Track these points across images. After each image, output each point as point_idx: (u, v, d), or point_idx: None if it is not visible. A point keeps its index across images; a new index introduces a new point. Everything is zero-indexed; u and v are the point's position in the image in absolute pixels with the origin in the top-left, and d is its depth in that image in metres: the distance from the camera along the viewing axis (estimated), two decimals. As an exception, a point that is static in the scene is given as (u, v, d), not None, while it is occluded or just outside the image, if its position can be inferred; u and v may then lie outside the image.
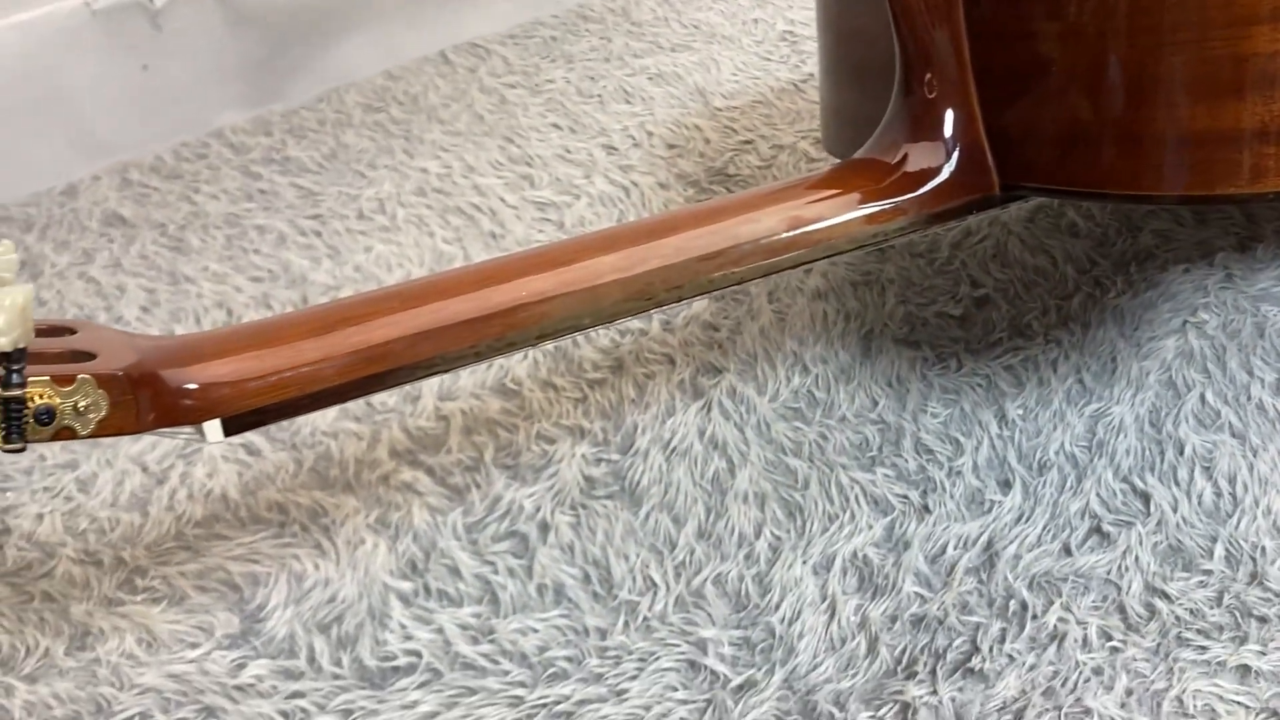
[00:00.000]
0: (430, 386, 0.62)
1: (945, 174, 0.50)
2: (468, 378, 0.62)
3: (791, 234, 0.48)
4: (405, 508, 0.56)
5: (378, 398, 0.62)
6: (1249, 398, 0.60)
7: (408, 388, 0.62)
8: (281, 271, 0.70)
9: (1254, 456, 0.57)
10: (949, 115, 0.50)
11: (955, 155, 0.50)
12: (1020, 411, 0.60)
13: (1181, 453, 0.57)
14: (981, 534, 0.54)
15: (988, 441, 0.59)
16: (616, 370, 0.62)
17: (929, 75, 0.50)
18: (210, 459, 0.59)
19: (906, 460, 0.58)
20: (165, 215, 0.75)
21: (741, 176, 0.74)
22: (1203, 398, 0.60)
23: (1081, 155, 0.48)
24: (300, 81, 0.87)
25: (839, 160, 0.58)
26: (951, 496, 0.56)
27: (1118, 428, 0.59)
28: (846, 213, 0.48)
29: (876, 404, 0.61)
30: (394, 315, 0.39)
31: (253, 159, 0.79)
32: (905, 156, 0.50)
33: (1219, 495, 0.55)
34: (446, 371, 0.42)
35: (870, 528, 0.55)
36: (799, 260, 0.48)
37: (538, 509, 0.56)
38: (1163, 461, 0.57)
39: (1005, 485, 0.57)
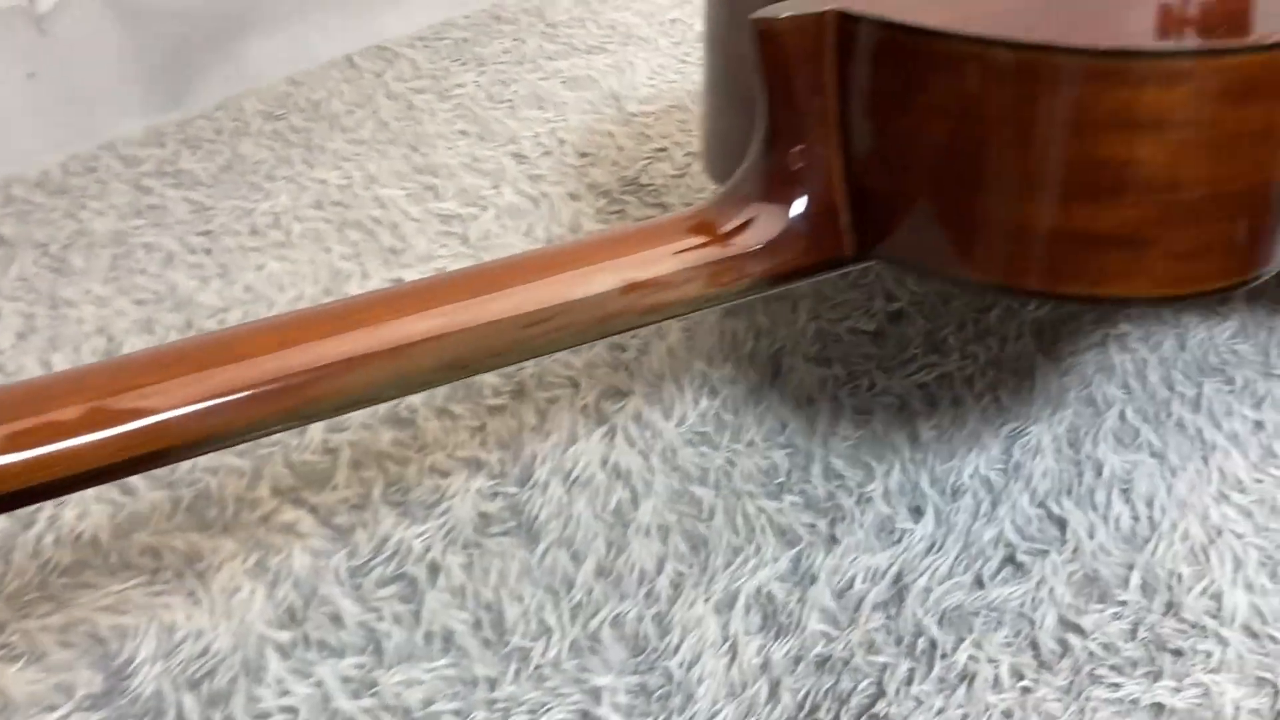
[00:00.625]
0: (319, 417, 0.59)
1: (798, 238, 0.48)
2: (359, 407, 0.59)
3: (626, 299, 0.45)
4: (286, 550, 0.53)
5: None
6: (1169, 414, 0.58)
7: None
8: (168, 293, 0.66)
9: (1172, 477, 0.55)
10: (810, 182, 0.47)
11: (810, 220, 0.48)
12: (934, 433, 0.58)
13: (1100, 474, 0.55)
14: (891, 565, 0.52)
15: (899, 465, 0.56)
16: (518, 396, 0.59)
17: (797, 146, 0.47)
18: (81, 500, 0.56)
19: (815, 487, 0.55)
20: (48, 234, 0.71)
21: (654, 186, 0.71)
22: (1122, 415, 0.58)
23: (940, 240, 0.47)
24: (200, 88, 0.84)
25: (719, 186, 0.56)
26: (861, 525, 0.54)
27: (1035, 449, 0.57)
28: (687, 275, 0.46)
29: (786, 427, 0.58)
30: (170, 383, 0.36)
31: (144, 172, 0.75)
32: (756, 216, 0.47)
33: (1136, 519, 0.53)
34: (232, 446, 0.39)
35: (776, 560, 0.53)
36: (632, 325, 0.46)
37: (428, 549, 0.53)
38: (1080, 484, 0.55)
39: (917, 512, 0.55)
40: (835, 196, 0.48)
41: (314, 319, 0.40)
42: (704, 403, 0.59)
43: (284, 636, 0.50)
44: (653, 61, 0.82)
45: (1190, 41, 0.43)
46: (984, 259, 0.46)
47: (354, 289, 0.66)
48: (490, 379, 0.60)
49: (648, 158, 0.74)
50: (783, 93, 0.47)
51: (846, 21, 0.45)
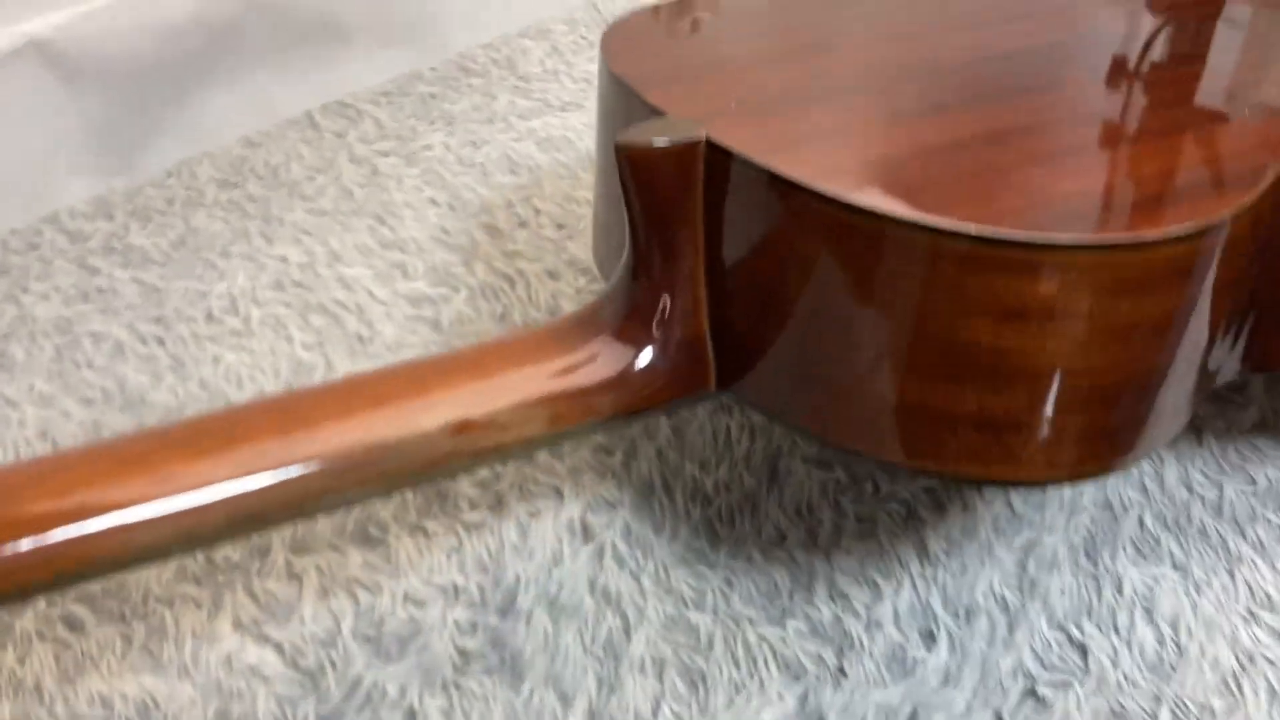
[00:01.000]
0: (282, 537, 0.54)
1: (656, 372, 0.44)
2: (325, 523, 0.55)
3: (454, 441, 0.41)
4: (249, 698, 0.49)
5: (221, 550, 0.54)
6: (1189, 520, 0.55)
7: (255, 538, 0.54)
8: (117, 390, 0.62)
9: (1197, 594, 0.52)
10: (673, 315, 0.44)
11: (670, 354, 0.45)
12: (944, 545, 0.54)
13: (1120, 591, 0.52)
14: (904, 702, 0.49)
15: (909, 582, 0.53)
16: (496, 509, 0.55)
17: (661, 278, 0.44)
18: (25, 637, 0.51)
19: (820, 609, 0.52)
20: (-15, 321, 0.66)
21: (637, 262, 0.67)
22: (1141, 521, 0.55)
23: (799, 394, 0.44)
24: (151, 150, 0.79)
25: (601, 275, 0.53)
26: (870, 655, 0.51)
27: (1051, 562, 0.53)
28: (526, 414, 0.42)
29: (785, 538, 0.54)
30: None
31: (91, 249, 0.70)
32: (610, 348, 0.44)
33: (1161, 643, 0.50)
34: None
35: (781, 698, 0.49)
36: (462, 470, 0.43)
37: (403, 692, 0.49)
38: (1100, 603, 0.52)
39: (929, 637, 0.51)
40: (699, 330, 0.45)
41: (85, 460, 0.36)
42: (697, 513, 0.55)
43: (247, 800, 0.46)
44: (632, 120, 0.78)
45: (1068, 235, 0.39)
46: (841, 421, 0.44)
47: (318, 380, 0.61)
48: (466, 489, 0.56)
49: (629, 229, 0.70)
50: (648, 222, 0.43)
51: (716, 153, 0.41)
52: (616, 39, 0.52)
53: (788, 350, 0.44)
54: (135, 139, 0.78)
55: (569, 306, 0.65)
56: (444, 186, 0.73)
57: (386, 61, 0.85)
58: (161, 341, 0.64)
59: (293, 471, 0.39)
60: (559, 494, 0.56)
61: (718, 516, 0.55)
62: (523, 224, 0.71)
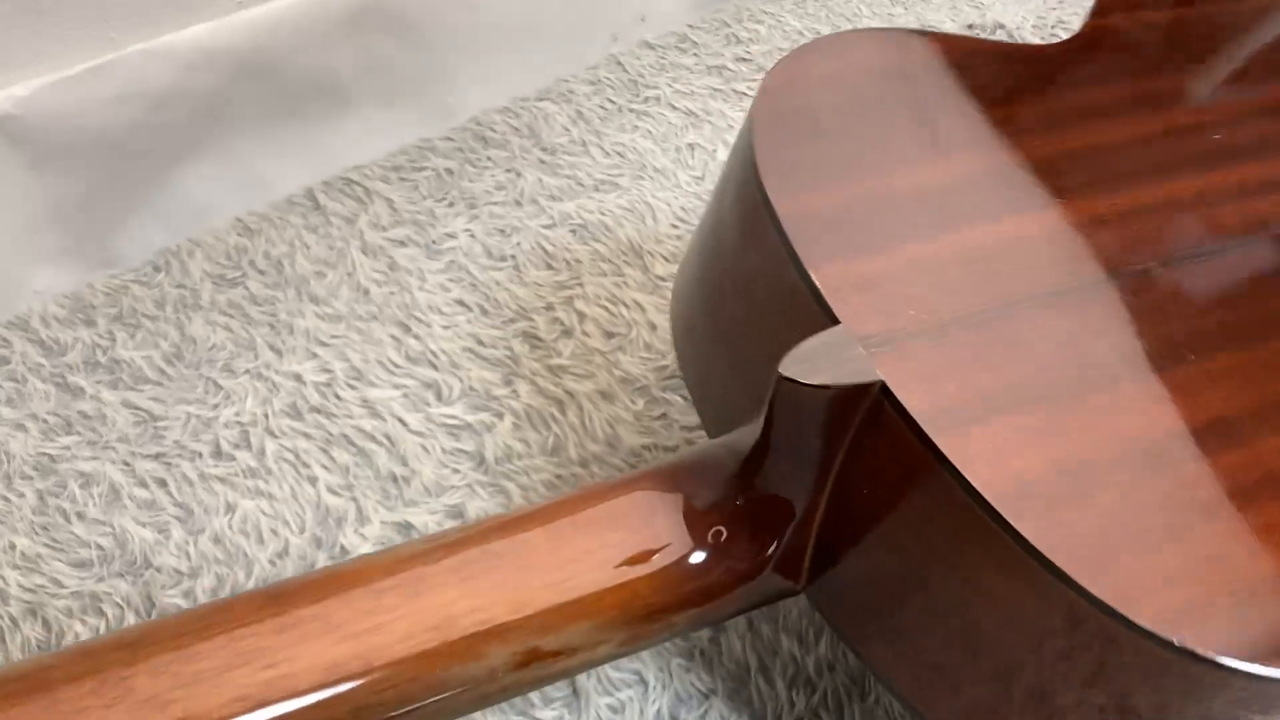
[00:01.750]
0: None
1: (754, 578, 0.39)
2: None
3: (515, 675, 0.36)
4: None
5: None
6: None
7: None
8: (117, 551, 0.53)
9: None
10: (787, 523, 0.39)
11: (776, 561, 0.39)
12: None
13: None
14: None
15: (1045, 782, 0.47)
16: (572, 703, 0.48)
17: (781, 483, 0.38)
18: None
19: (951, 818, 0.46)
20: (-48, 458, 0.57)
21: (700, 381, 0.60)
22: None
23: (884, 643, 0.39)
24: (131, 238, 0.70)
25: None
26: None
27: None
28: (603, 632, 0.36)
29: (902, 727, 0.48)
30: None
31: (70, 364, 0.61)
32: (712, 546, 0.38)
33: None
34: None
35: None
36: (511, 696, 0.37)
37: None
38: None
39: None
40: (805, 541, 0.39)
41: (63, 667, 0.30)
42: (800, 702, 0.49)
43: None
44: (674, 203, 0.71)
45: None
46: (917, 686, 0.38)
47: (349, 535, 0.54)
48: (538, 677, 0.49)
49: (686, 339, 0.63)
50: (785, 443, 0.37)
51: (888, 397, 0.35)
52: (777, 146, 0.43)
53: (889, 600, 0.38)
54: (113, 225, 0.69)
55: (628, 436, 0.58)
56: (473, 285, 0.66)
57: (392, 128, 0.77)
58: (164, 484, 0.56)
59: (332, 692, 0.33)
60: (643, 682, 0.49)
61: (823, 704, 0.49)
62: (566, 332, 0.63)
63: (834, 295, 0.37)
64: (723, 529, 0.39)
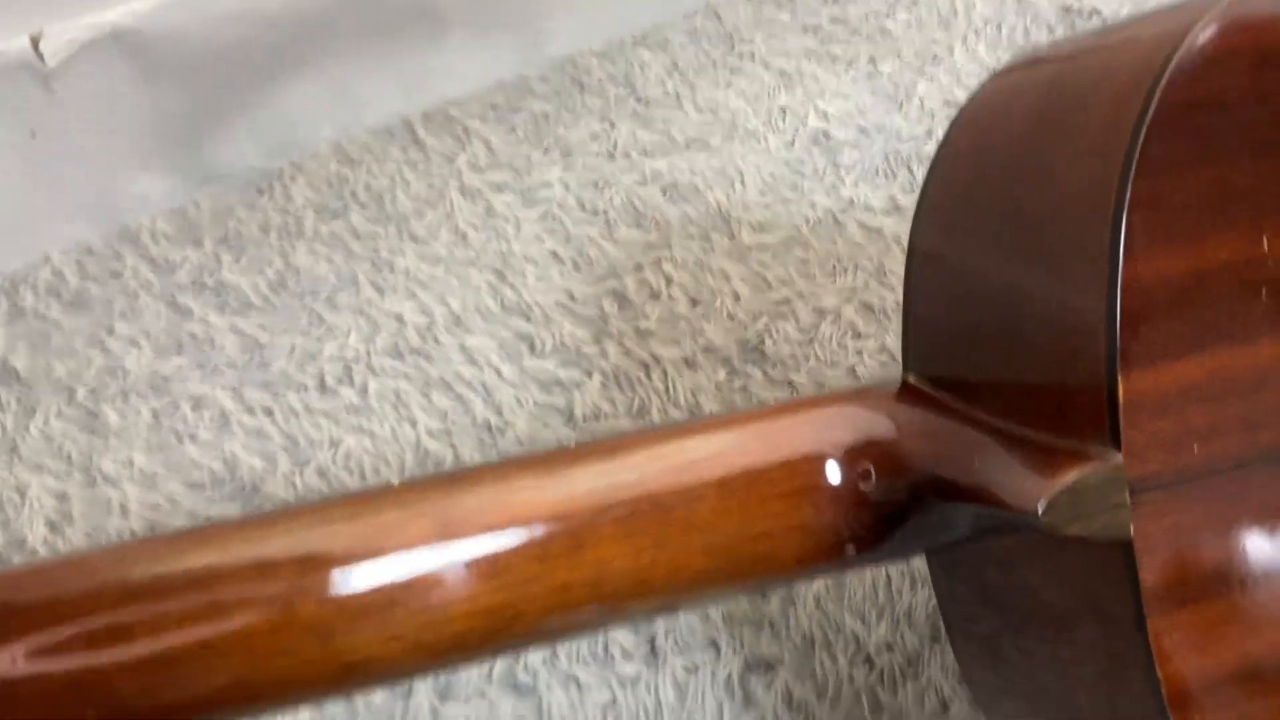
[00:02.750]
0: (426, 681, 0.51)
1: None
2: (471, 668, 0.52)
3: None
4: None
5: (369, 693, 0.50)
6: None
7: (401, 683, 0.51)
8: (227, 475, 0.57)
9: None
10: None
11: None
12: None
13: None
14: None
15: (1076, 772, 0.51)
16: (650, 661, 0.52)
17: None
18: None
19: (987, 798, 0.50)
20: (72, 369, 0.60)
21: (779, 357, 0.63)
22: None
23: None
24: (236, 151, 0.71)
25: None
26: None
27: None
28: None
29: (948, 709, 0.52)
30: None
31: (179, 283, 0.64)
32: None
33: None
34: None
35: None
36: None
37: None
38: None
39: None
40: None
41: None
42: (859, 677, 0.53)
43: None
44: (763, 169, 0.72)
45: None
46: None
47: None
48: (620, 635, 0.53)
49: (769, 312, 0.65)
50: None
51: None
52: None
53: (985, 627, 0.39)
54: (217, 140, 0.71)
55: (709, 406, 0.61)
56: (567, 239, 0.68)
57: (489, 57, 0.78)
58: (270, 413, 0.59)
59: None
60: (716, 647, 0.53)
61: (879, 681, 0.53)
62: (654, 295, 0.66)
63: (1130, 413, 0.32)
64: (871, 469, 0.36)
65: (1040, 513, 0.30)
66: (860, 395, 0.38)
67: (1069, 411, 0.32)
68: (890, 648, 0.54)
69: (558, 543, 0.32)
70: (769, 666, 0.53)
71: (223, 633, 0.29)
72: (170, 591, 0.29)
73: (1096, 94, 0.33)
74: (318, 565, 0.30)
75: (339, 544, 0.30)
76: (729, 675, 0.52)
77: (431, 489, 0.32)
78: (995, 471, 0.32)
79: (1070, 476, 0.30)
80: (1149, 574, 0.31)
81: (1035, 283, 0.33)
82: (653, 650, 0.53)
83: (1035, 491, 0.30)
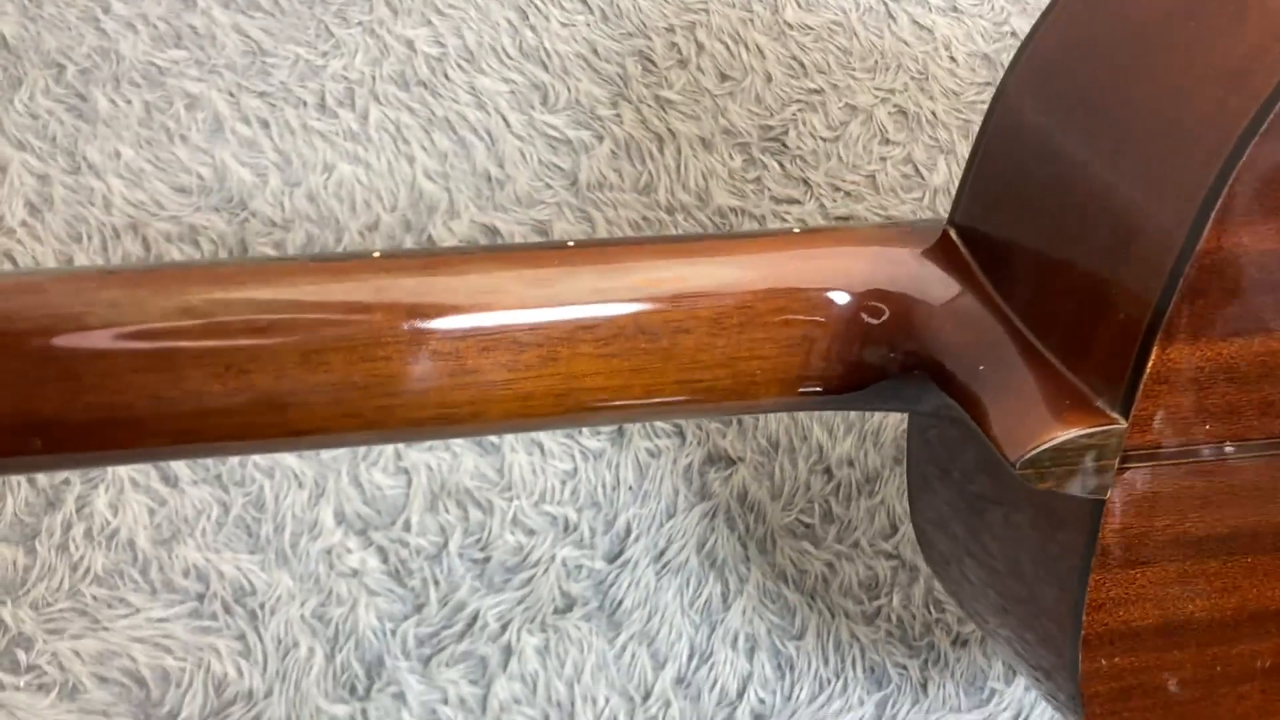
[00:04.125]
0: (393, 423, 0.51)
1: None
2: (439, 417, 0.52)
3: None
4: (350, 604, 0.48)
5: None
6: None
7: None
8: (216, 183, 0.55)
9: None
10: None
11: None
12: (1047, 573, 0.54)
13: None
14: (975, 734, 0.50)
15: (1004, 606, 0.53)
16: (616, 440, 0.53)
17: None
18: (116, 481, 0.49)
19: (914, 616, 0.52)
20: (63, 44, 0.57)
21: (800, 152, 0.60)
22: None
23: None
24: None
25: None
26: (953, 676, 0.52)
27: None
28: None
29: (896, 531, 0.54)
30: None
31: (184, -33, 0.60)
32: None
33: None
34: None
35: (861, 704, 0.50)
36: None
37: (504, 626, 0.49)
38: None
39: (1010, 670, 0.52)
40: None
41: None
42: (815, 485, 0.53)
43: (341, 712, 0.47)
44: (822, -58, 0.66)
45: None
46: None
47: (438, 225, 0.56)
48: (589, 408, 0.53)
49: (799, 102, 0.62)
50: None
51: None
52: None
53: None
54: None
55: (719, 193, 0.59)
56: (599, -15, 0.63)
57: None
58: (266, 126, 0.57)
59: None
60: (681, 436, 0.53)
61: (835, 493, 0.54)
62: (682, 62, 0.62)
63: (1153, 384, 0.30)
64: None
65: (1016, 463, 0.29)
66: (897, 236, 0.36)
67: (1095, 347, 0.31)
68: (851, 463, 0.54)
69: (531, 353, 0.31)
70: (730, 462, 0.53)
71: (176, 389, 0.29)
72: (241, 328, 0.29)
73: (1262, 11, 0.30)
74: (277, 329, 0.29)
75: (305, 309, 0.29)
76: (690, 464, 0.53)
77: (411, 267, 0.31)
78: (997, 388, 0.31)
79: (1062, 436, 0.29)
80: (1108, 534, 0.31)
81: (1120, 179, 0.31)
82: (620, 430, 0.53)
83: (1021, 437, 0.29)
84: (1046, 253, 0.33)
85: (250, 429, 0.29)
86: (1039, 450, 0.29)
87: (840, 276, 0.34)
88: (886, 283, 0.34)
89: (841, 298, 0.34)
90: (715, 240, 0.38)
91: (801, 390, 0.34)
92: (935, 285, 0.34)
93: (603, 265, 0.33)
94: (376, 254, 0.31)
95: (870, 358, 0.34)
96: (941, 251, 0.36)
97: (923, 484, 0.39)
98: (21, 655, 0.46)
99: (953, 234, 0.36)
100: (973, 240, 0.35)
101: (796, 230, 0.37)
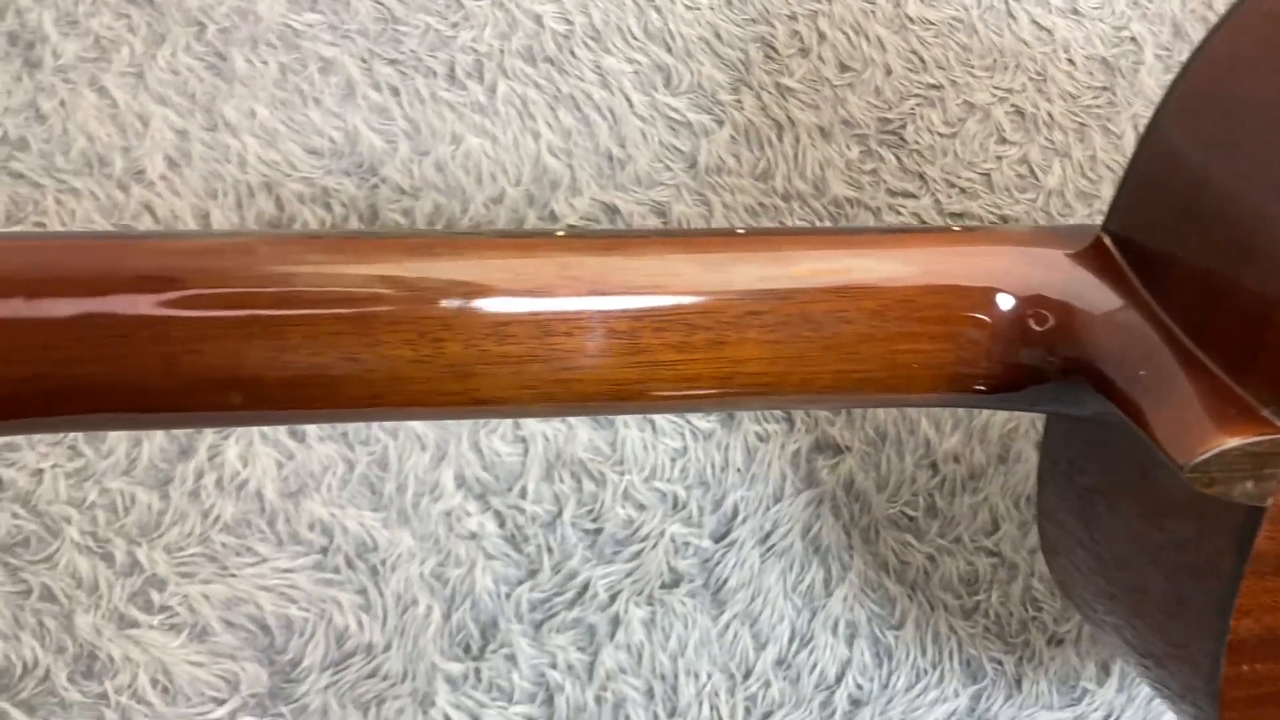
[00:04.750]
0: (512, 392, 0.52)
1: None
2: (557, 389, 0.53)
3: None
4: (467, 565, 0.49)
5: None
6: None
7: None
8: (347, 147, 0.56)
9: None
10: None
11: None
12: (1145, 580, 0.55)
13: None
14: (1066, 733, 0.51)
15: (1101, 610, 0.54)
16: (727, 422, 0.54)
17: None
18: (246, 433, 0.50)
19: (1011, 613, 0.53)
20: (204, 3, 0.59)
21: (918, 147, 0.61)
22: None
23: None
24: None
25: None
26: (1046, 673, 0.52)
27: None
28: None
29: (998, 528, 0.54)
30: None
31: (321, -68, 0.61)
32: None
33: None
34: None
35: (956, 695, 0.51)
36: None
37: (612, 597, 0.50)
38: None
39: (1104, 671, 0.53)
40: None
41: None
42: (921, 479, 0.54)
43: (455, 669, 0.48)
44: (946, -64, 0.66)
45: None
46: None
47: (560, 201, 0.57)
48: (703, 390, 0.54)
49: (917, 95, 0.62)
50: None
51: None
52: None
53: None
54: None
55: (835, 183, 0.59)
56: (724, -30, 0.63)
57: None
58: (397, 93, 0.58)
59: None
60: (790, 422, 0.54)
61: (939, 488, 0.54)
62: (803, 51, 0.62)
63: None
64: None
65: (1185, 468, 0.30)
66: (1055, 239, 0.36)
67: (1261, 358, 0.31)
68: (957, 459, 0.55)
69: (701, 336, 0.32)
70: (838, 451, 0.54)
71: (370, 353, 0.30)
72: (326, 299, 0.30)
73: None
74: (473, 298, 0.30)
75: (496, 282, 0.30)
76: (798, 450, 0.54)
77: (594, 247, 0.32)
78: (1159, 394, 0.31)
79: (1231, 443, 0.29)
80: (1265, 540, 0.31)
81: None
82: (730, 414, 0.54)
83: (1190, 443, 0.30)
84: (1211, 268, 0.33)
85: (434, 396, 0.31)
86: (1208, 456, 0.30)
87: (1001, 277, 0.35)
88: (1047, 286, 0.35)
89: (1005, 299, 0.34)
90: (877, 234, 0.38)
91: (958, 388, 0.35)
92: (1094, 291, 0.35)
93: (770, 253, 0.34)
94: (560, 233, 0.32)
95: (1029, 359, 0.34)
96: (1095, 256, 0.36)
97: (1059, 476, 0.40)
98: (155, 595, 0.47)
99: (1107, 241, 0.37)
100: (1128, 249, 0.36)
101: (956, 229, 0.38)
